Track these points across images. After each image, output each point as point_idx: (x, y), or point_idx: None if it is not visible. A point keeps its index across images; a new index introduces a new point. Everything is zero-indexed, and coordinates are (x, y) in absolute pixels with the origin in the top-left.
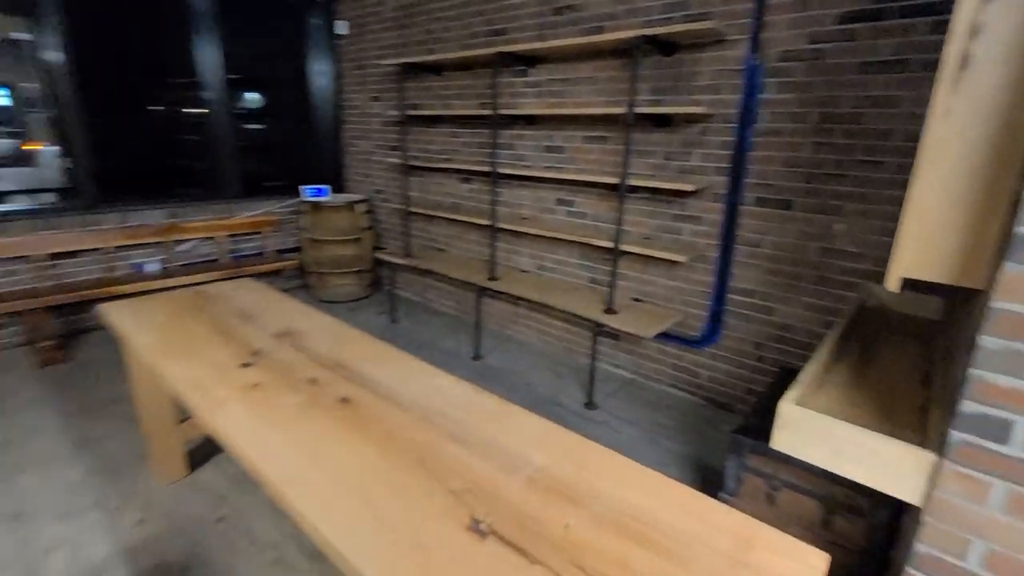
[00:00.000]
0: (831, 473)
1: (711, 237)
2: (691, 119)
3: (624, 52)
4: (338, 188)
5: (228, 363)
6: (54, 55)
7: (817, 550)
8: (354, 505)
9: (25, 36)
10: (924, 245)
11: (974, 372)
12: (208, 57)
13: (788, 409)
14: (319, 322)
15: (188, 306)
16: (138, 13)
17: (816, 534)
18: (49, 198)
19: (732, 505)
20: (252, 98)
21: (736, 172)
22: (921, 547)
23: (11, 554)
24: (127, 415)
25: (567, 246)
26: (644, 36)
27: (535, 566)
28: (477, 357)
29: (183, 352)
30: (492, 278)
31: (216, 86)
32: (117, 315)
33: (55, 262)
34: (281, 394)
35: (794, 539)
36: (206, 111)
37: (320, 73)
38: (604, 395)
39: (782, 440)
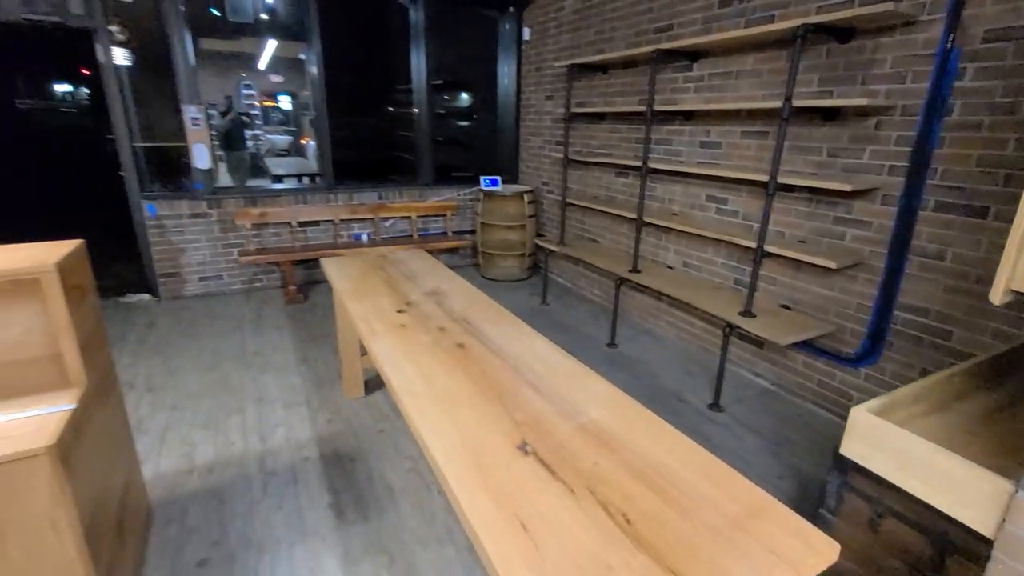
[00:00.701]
0: (944, 512)
1: (878, 244)
2: (864, 112)
3: (792, 42)
4: (513, 179)
5: (388, 308)
6: (314, 69)
7: (829, 539)
8: (443, 415)
9: (302, 56)
10: None
11: None
12: (418, 65)
13: (859, 415)
14: (460, 287)
15: (374, 265)
16: (373, 31)
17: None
18: (307, 181)
19: (831, 527)
20: (450, 99)
21: (916, 171)
22: None
23: (254, 423)
24: (333, 346)
25: (714, 244)
26: (813, 23)
27: (557, 482)
28: (612, 344)
29: (362, 296)
30: (634, 270)
31: (421, 90)
32: (328, 266)
33: (304, 228)
34: (417, 334)
35: (806, 521)
36: (414, 111)
37: (505, 75)
38: (734, 400)
39: (851, 447)
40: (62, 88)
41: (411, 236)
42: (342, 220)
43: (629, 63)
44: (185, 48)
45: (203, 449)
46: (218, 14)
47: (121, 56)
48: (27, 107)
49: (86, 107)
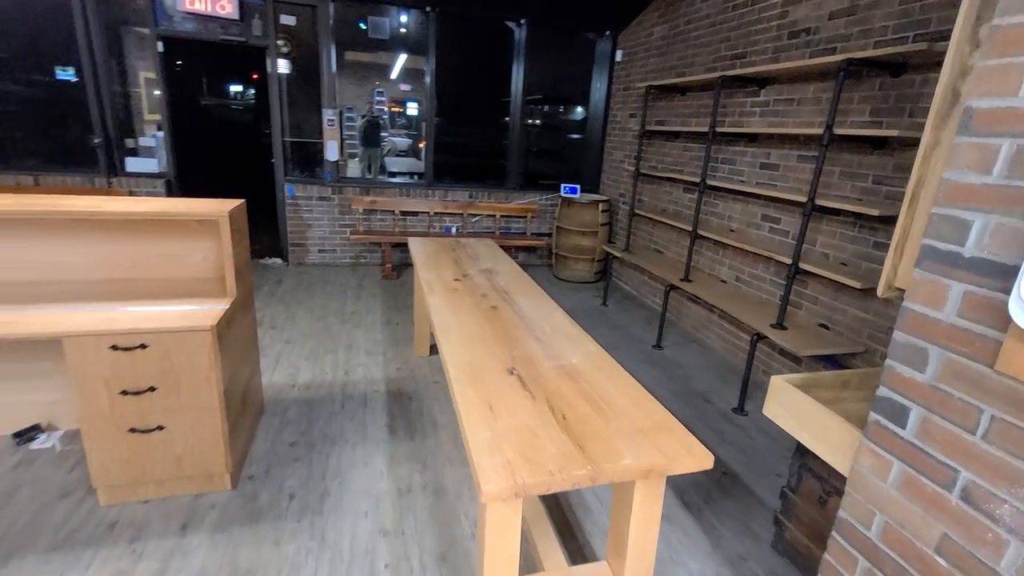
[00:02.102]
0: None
1: None
2: (908, 143)
3: (848, 73)
4: (594, 189)
5: (448, 277)
6: (427, 80)
7: (707, 451)
8: (462, 346)
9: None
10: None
11: (888, 362)
12: (517, 80)
13: (776, 382)
14: (510, 269)
15: (448, 247)
16: (480, 48)
17: None
18: (416, 179)
19: (792, 504)
20: (546, 111)
21: None
22: (843, 514)
23: (342, 361)
24: (412, 315)
25: (764, 261)
26: (858, 58)
27: (525, 392)
28: (657, 346)
29: (431, 267)
30: (685, 279)
31: (517, 103)
32: (413, 244)
33: (404, 217)
34: (464, 297)
35: (694, 437)
36: (509, 121)
37: (597, 93)
38: (759, 407)
39: (770, 408)
40: (235, 90)
41: (493, 233)
42: (436, 213)
43: (706, 86)
44: (330, 60)
45: (304, 372)
46: (364, 27)
47: (283, 66)
48: (208, 103)
49: (252, 106)
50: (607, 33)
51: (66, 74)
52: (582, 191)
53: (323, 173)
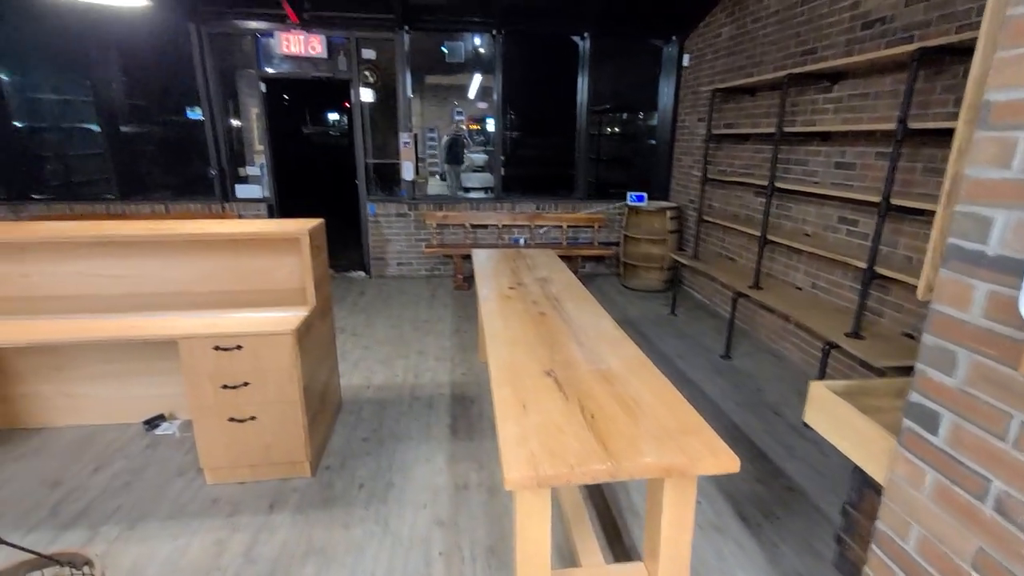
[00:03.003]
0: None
1: None
2: None
3: (923, 62)
4: (664, 196)
5: (504, 284)
6: (495, 96)
7: (732, 453)
8: (506, 348)
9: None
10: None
11: (918, 366)
12: (582, 91)
13: (815, 388)
14: (565, 278)
15: (509, 258)
16: (545, 62)
17: None
18: (488, 194)
19: (852, 519)
20: (613, 120)
21: None
22: (880, 526)
23: (413, 365)
24: (479, 323)
25: (843, 267)
26: (932, 46)
27: (560, 392)
28: (726, 356)
29: (490, 276)
30: (755, 286)
31: (583, 113)
32: (476, 255)
33: (475, 230)
34: (516, 303)
35: (720, 440)
36: (576, 131)
37: (665, 99)
38: None
39: (810, 415)
40: (333, 118)
41: (561, 243)
42: (504, 225)
43: (775, 85)
44: (406, 87)
45: (378, 375)
46: (445, 51)
47: (368, 95)
48: (309, 131)
49: (345, 132)
50: (673, 38)
51: (195, 114)
52: (651, 198)
53: (400, 191)
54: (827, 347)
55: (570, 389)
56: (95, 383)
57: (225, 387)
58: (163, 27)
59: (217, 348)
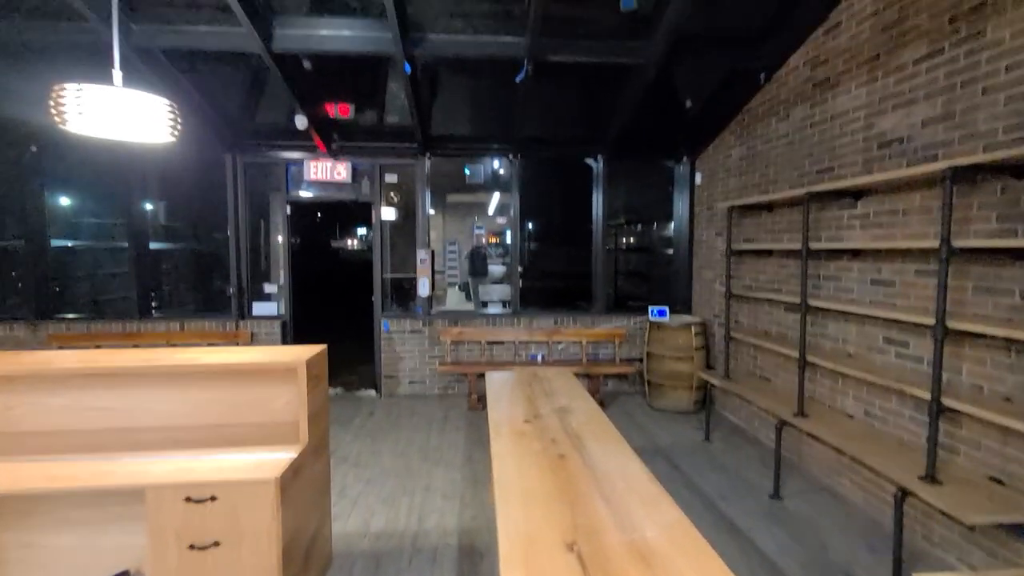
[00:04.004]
0: None
1: None
2: None
3: (956, 180)
4: (686, 310)
5: (518, 417)
6: (512, 212)
7: None
8: (519, 506)
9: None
10: None
11: None
12: (597, 207)
13: None
14: (586, 407)
15: (524, 381)
16: (561, 182)
17: None
18: (506, 308)
19: None
20: (629, 234)
21: None
22: None
23: (418, 505)
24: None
25: (899, 394)
26: (963, 165)
27: None
28: (776, 496)
29: (503, 405)
30: (799, 414)
31: (599, 229)
32: (489, 378)
33: (491, 346)
34: (531, 442)
35: None
36: (593, 247)
37: (680, 214)
38: None
39: None
40: (361, 232)
41: (581, 360)
42: (521, 342)
43: (794, 202)
44: (424, 207)
45: (377, 518)
46: (468, 172)
47: (390, 214)
48: (337, 245)
49: (371, 246)
50: (684, 159)
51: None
52: (673, 312)
53: (415, 308)
54: (900, 494)
55: (598, 573)
56: (60, 531)
57: (192, 547)
58: (201, 156)
59: (188, 499)
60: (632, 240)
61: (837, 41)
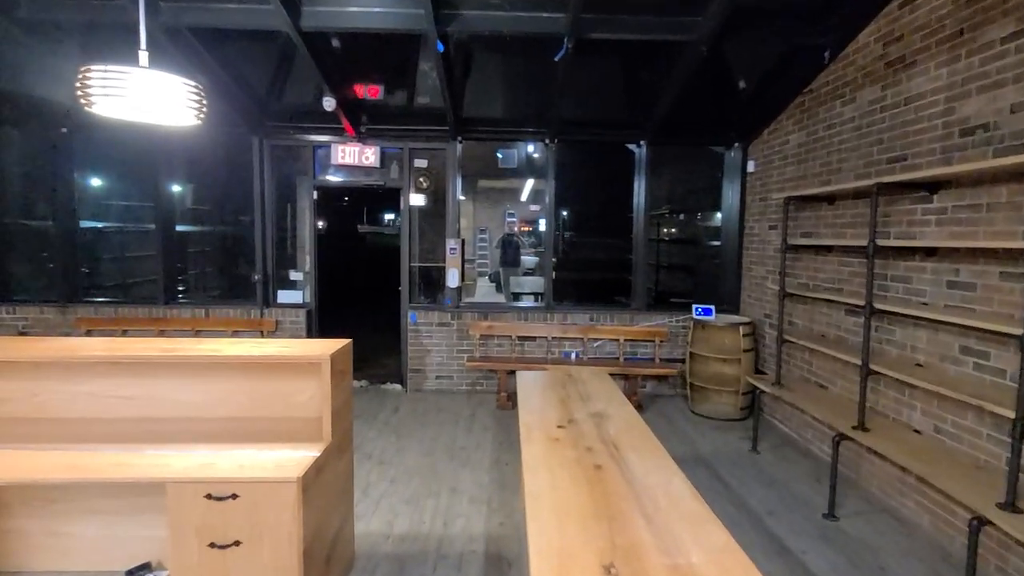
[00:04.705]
0: None
1: None
2: None
3: None
4: (734, 309)
5: (552, 421)
6: (547, 199)
7: None
8: (552, 521)
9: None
10: None
11: None
12: (639, 196)
13: None
14: (624, 413)
15: (558, 382)
16: (600, 168)
17: None
18: (538, 301)
19: None
20: (673, 226)
21: None
22: None
23: (444, 508)
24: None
25: (976, 409)
26: None
27: None
28: (831, 516)
29: (535, 407)
30: (860, 427)
31: (640, 219)
32: (520, 378)
33: (522, 342)
34: (565, 449)
35: None
36: (633, 238)
37: (729, 204)
38: None
39: None
40: (388, 217)
41: (618, 359)
42: (554, 338)
43: (860, 194)
44: (455, 193)
45: (401, 520)
46: (500, 156)
47: (419, 200)
48: (365, 231)
49: (399, 231)
50: (736, 145)
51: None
52: (720, 311)
53: (444, 299)
54: (976, 522)
55: None
56: (84, 521)
57: (213, 546)
58: (228, 139)
59: (209, 496)
60: (676, 231)
61: (914, 15)
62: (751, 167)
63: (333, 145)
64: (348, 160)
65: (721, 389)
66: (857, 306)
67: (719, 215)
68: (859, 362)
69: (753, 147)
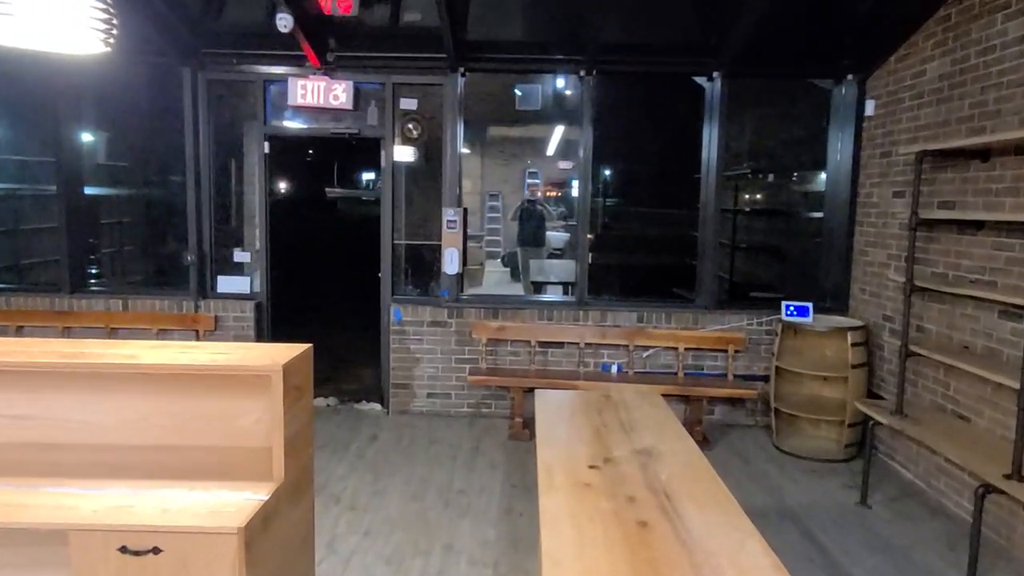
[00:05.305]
0: None
1: None
2: None
3: None
4: (840, 309)
5: (581, 460)
6: (581, 153)
7: None
8: None
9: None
10: None
11: None
12: (709, 151)
13: None
14: (681, 448)
15: (591, 406)
16: (656, 111)
17: None
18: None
19: None
20: (756, 192)
21: None
22: None
23: (436, 572)
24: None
25: None
26: None
27: None
28: None
29: (559, 439)
30: (1016, 476)
31: (710, 182)
32: (540, 399)
33: (544, 350)
34: (599, 498)
35: None
36: (700, 208)
37: (835, 163)
38: None
39: None
40: (367, 177)
41: (676, 375)
42: (588, 345)
43: None
44: (455, 145)
45: None
46: (519, 93)
47: (407, 154)
48: (335, 195)
49: (376, 200)
50: (849, 77)
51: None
52: (820, 310)
53: (439, 290)
54: None
55: None
56: None
57: None
58: (151, 73)
59: (124, 550)
60: (760, 199)
61: None
62: (870, 109)
63: (291, 79)
64: (311, 100)
65: (819, 419)
66: (1018, 307)
67: (822, 177)
68: (1018, 385)
69: (873, 80)
